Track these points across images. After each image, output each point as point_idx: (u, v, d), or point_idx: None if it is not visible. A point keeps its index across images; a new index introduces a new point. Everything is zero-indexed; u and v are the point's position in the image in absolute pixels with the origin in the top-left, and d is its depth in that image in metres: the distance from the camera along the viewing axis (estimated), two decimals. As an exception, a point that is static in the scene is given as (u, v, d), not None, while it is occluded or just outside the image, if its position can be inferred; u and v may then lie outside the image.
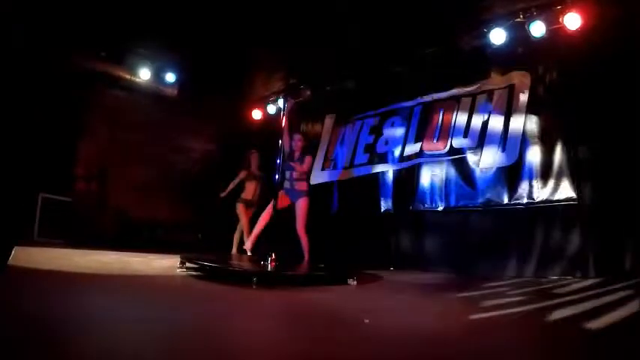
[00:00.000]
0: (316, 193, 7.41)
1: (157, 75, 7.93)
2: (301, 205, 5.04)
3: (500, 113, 5.54)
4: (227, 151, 8.40)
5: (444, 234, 5.85)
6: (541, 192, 5.02)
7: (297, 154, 5.29)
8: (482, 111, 5.74)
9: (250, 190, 6.36)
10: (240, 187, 6.46)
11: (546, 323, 2.22)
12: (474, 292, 3.50)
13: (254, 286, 3.29)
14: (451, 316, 2.51)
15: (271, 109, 8.23)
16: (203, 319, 2.26)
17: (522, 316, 2.46)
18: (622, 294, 3.02)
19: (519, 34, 5.39)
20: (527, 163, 5.17)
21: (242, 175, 6.36)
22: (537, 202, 5.03)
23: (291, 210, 5.15)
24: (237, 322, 2.27)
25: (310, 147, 5.75)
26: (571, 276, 4.51)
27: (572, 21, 4.88)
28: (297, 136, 5.41)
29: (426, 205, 6.08)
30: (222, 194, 6.35)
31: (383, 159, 6.72)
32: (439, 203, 5.94)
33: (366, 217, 6.72)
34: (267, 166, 6.39)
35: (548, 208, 4.94)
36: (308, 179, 5.36)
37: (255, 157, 6.51)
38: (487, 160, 5.51)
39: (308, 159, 5.30)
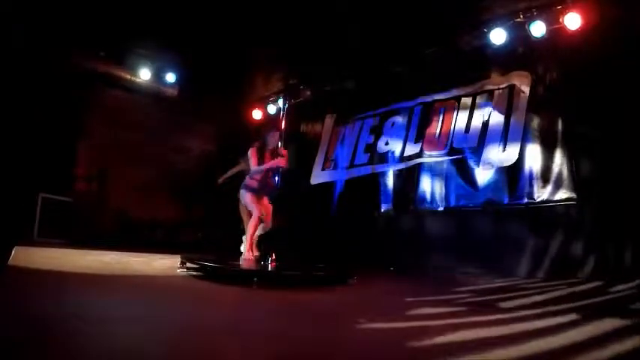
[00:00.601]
0: (316, 193, 7.44)
1: (157, 75, 7.94)
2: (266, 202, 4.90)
3: (500, 113, 5.54)
4: (227, 151, 8.40)
5: (444, 234, 5.84)
6: (541, 192, 5.01)
7: (270, 150, 5.06)
8: (482, 111, 5.73)
9: None
10: (241, 183, 6.18)
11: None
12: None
13: (254, 286, 3.29)
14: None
15: (271, 109, 8.23)
16: (203, 319, 2.25)
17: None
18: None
19: (520, 34, 5.39)
20: (527, 163, 5.17)
21: (243, 165, 5.82)
22: (537, 202, 5.03)
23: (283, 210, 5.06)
24: (237, 323, 2.27)
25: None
26: (571, 276, 4.49)
27: (573, 21, 4.88)
28: (273, 132, 5.19)
29: (426, 205, 6.07)
30: (220, 180, 5.96)
31: (383, 159, 6.72)
32: (439, 203, 5.94)
33: (367, 217, 6.72)
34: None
35: (549, 208, 4.94)
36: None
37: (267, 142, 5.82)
38: (487, 160, 5.50)
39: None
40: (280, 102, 7.79)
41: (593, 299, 3.28)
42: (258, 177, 4.88)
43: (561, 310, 2.71)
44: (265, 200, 4.93)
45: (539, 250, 4.90)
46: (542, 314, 2.56)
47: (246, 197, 4.88)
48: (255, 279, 3.34)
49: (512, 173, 5.25)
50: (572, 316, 2.51)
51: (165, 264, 4.72)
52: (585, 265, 4.53)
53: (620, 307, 2.82)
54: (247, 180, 4.93)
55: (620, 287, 3.71)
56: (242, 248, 5.13)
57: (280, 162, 4.88)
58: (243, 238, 5.12)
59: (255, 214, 4.75)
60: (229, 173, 6.00)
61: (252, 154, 4.91)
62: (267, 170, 4.94)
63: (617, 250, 4.36)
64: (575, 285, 4.03)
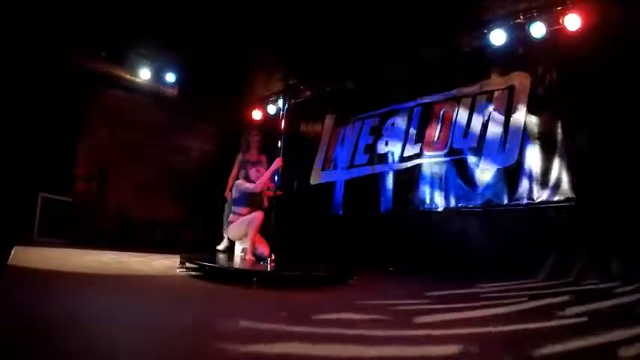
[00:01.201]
0: (316, 193, 7.45)
1: (157, 75, 7.95)
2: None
3: (500, 114, 5.54)
4: (227, 151, 8.41)
5: (443, 235, 5.84)
6: (541, 193, 5.02)
7: (254, 152, 5.09)
8: (482, 112, 5.74)
9: None
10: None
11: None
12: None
13: (254, 286, 3.29)
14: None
15: (271, 109, 8.23)
16: (203, 319, 2.26)
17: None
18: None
19: (520, 35, 5.40)
20: (526, 163, 5.17)
21: (240, 158, 5.41)
22: (537, 203, 5.03)
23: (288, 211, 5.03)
24: (236, 323, 2.27)
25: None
26: (571, 278, 4.48)
27: (573, 22, 4.89)
28: (254, 133, 5.24)
29: (425, 206, 6.08)
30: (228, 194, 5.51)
31: (383, 159, 6.72)
32: (439, 204, 5.94)
33: (366, 217, 6.72)
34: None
35: (548, 209, 4.94)
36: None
37: (257, 140, 5.45)
38: (487, 161, 5.51)
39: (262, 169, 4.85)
40: (280, 102, 7.80)
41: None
42: (245, 211, 4.72)
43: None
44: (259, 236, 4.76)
45: (538, 251, 4.89)
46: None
47: (235, 232, 4.78)
48: (255, 279, 3.34)
49: (512, 174, 5.26)
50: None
51: (165, 264, 4.73)
52: (584, 266, 4.53)
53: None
54: (231, 217, 4.82)
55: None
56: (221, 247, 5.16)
57: (278, 163, 4.74)
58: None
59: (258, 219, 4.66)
60: (231, 183, 5.58)
61: (241, 182, 4.80)
62: (262, 189, 4.81)
63: (617, 251, 4.36)
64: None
